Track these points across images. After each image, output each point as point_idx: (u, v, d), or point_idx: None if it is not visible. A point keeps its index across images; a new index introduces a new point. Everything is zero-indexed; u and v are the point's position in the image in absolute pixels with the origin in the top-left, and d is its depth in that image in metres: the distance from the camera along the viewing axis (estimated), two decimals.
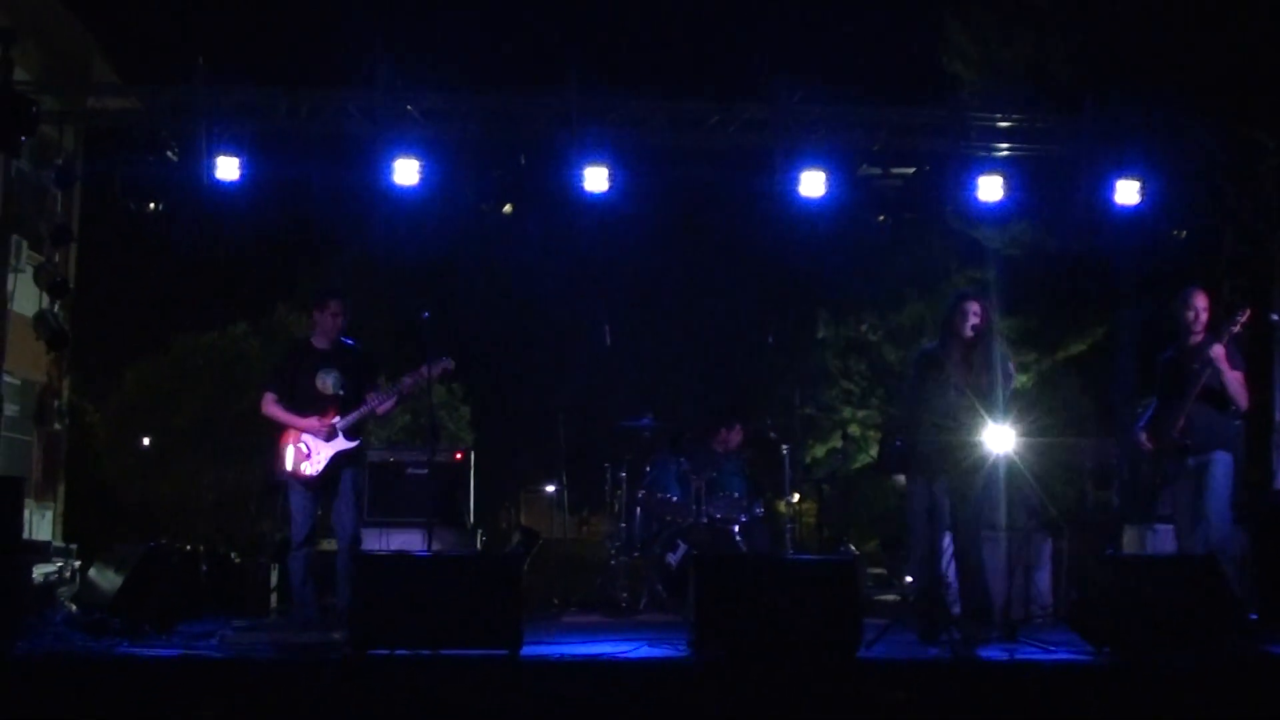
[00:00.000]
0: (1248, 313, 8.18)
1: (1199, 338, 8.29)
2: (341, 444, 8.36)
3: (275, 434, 8.45)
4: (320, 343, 8.56)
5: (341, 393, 8.43)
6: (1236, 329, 8.11)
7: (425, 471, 10.31)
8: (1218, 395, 8.16)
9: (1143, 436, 8.47)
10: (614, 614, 10.16)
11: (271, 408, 8.47)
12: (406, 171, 11.24)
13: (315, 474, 8.32)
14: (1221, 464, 8.15)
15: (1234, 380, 8.11)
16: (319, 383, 8.43)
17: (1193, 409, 8.15)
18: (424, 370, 8.45)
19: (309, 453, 8.33)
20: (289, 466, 8.35)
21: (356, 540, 8.43)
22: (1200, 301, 8.33)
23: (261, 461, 8.51)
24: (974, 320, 8.04)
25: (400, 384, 8.48)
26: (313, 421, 8.33)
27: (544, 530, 12.88)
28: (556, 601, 10.47)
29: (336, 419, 8.34)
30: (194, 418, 24.75)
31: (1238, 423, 8.38)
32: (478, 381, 28.19)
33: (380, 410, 8.49)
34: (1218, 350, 8.03)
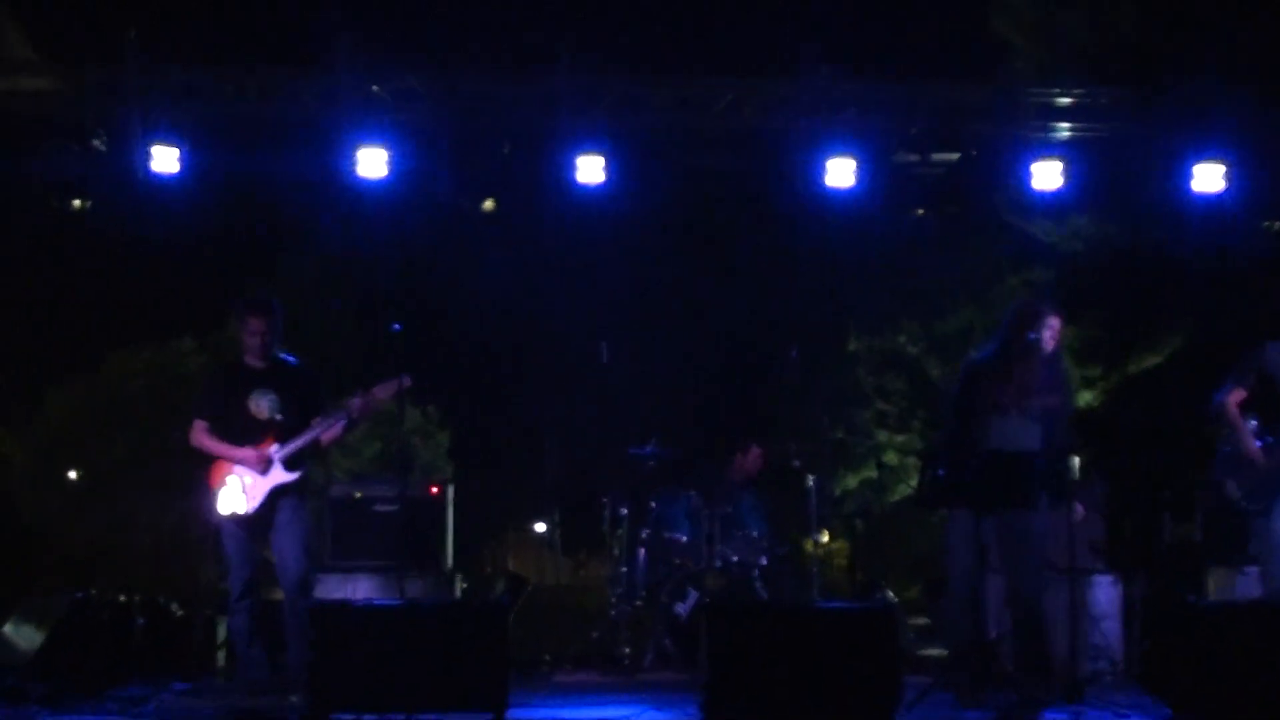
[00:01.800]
0: None
1: None
2: (280, 476, 8.27)
3: (204, 468, 8.37)
4: (254, 361, 8.47)
5: (280, 418, 8.34)
6: None
7: (395, 507, 10.27)
8: None
9: (1255, 446, 8.27)
10: (614, 672, 10.12)
11: (202, 437, 8.39)
12: (373, 162, 11.24)
13: (250, 512, 8.25)
14: None
15: None
16: (253, 406, 8.34)
17: None
18: (376, 390, 8.38)
19: (242, 487, 8.25)
20: (220, 506, 8.29)
21: (303, 585, 8.36)
22: None
23: (206, 500, 8.44)
24: (1051, 335, 8.04)
25: (348, 406, 8.36)
26: (247, 452, 8.25)
27: (533, 575, 12.88)
28: (548, 658, 10.43)
29: (274, 448, 8.27)
30: (129, 448, 24.72)
31: None
32: (457, 404, 28.19)
33: (326, 438, 8.40)
34: None
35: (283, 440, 8.29)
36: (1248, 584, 9.47)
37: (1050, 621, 8.30)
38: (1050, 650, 8.16)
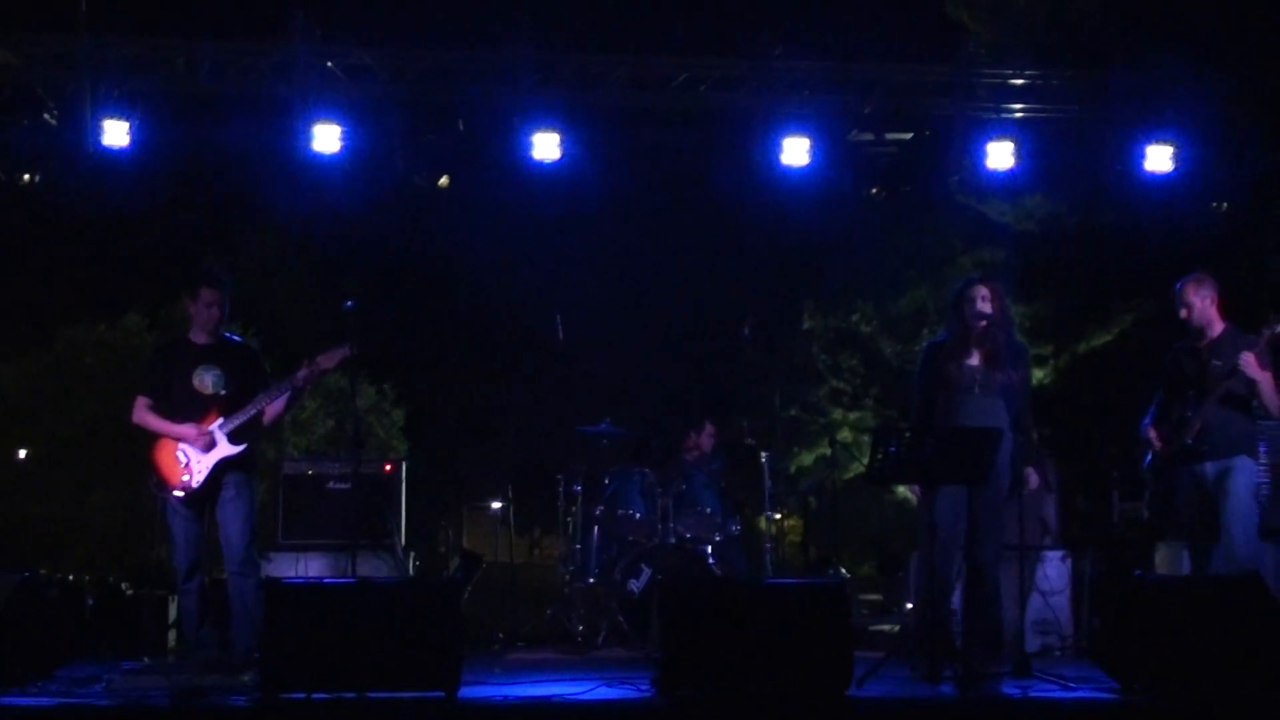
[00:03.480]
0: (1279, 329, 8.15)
1: (1217, 329, 8.35)
2: (225, 450, 8.22)
3: (149, 445, 8.31)
4: (199, 337, 8.42)
5: (224, 393, 8.29)
6: (1273, 334, 8.08)
7: (348, 485, 10.23)
8: (1241, 399, 8.23)
9: (1152, 435, 8.59)
10: (568, 649, 10.14)
11: (144, 414, 8.32)
12: (327, 138, 11.23)
13: (195, 488, 8.19)
14: (1244, 471, 8.25)
15: (1269, 387, 8.12)
16: (197, 382, 8.28)
17: (1211, 411, 8.22)
18: (320, 359, 8.32)
19: (187, 464, 8.19)
20: (165, 480, 8.24)
21: (249, 561, 8.30)
22: (1204, 292, 8.36)
23: (151, 476, 8.37)
24: (983, 307, 8.09)
25: (293, 378, 8.31)
26: (188, 429, 8.19)
27: (487, 553, 12.85)
28: (501, 635, 10.43)
29: (218, 422, 8.22)
30: (80, 426, 24.47)
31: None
32: (412, 382, 28.08)
33: (271, 411, 8.35)
34: (1248, 359, 8.02)
35: (226, 415, 8.24)
36: None
37: (1002, 596, 8.39)
38: (1002, 624, 8.24)
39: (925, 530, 7.95)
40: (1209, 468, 8.29)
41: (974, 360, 8.10)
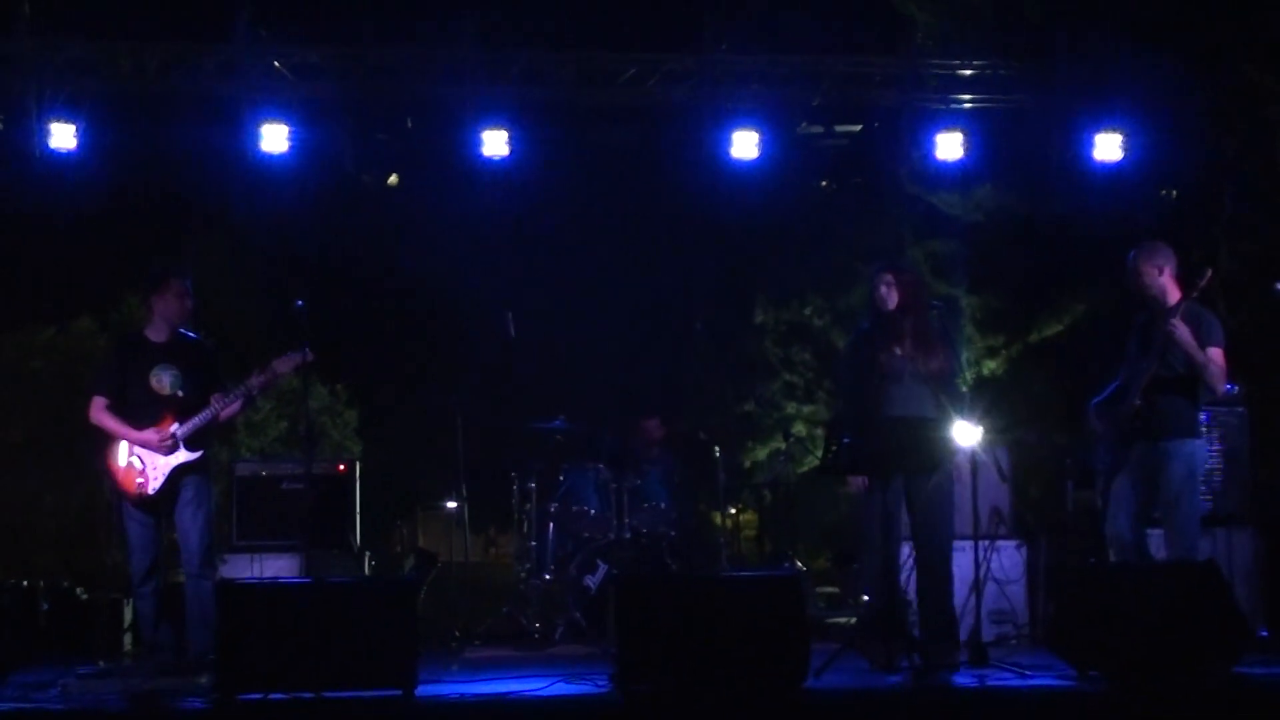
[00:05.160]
0: (1209, 274, 7.98)
1: (1172, 300, 8.05)
2: (182, 455, 8.15)
3: (104, 446, 8.23)
4: (156, 335, 8.34)
5: (181, 393, 8.22)
6: (1195, 294, 7.94)
7: (303, 486, 10.19)
8: (1185, 380, 8.00)
9: (1093, 416, 8.42)
10: (524, 646, 10.13)
11: (102, 415, 8.22)
12: (274, 138, 11.19)
13: (153, 493, 8.14)
14: (1183, 454, 8.03)
15: (1205, 359, 7.88)
16: (154, 382, 8.21)
17: (1155, 386, 8.04)
18: (276, 364, 8.28)
19: (143, 468, 8.13)
20: (121, 486, 8.18)
21: (207, 563, 8.26)
22: (1156, 261, 8.09)
23: (108, 480, 8.30)
24: (888, 291, 8.08)
25: (248, 383, 8.27)
26: (149, 434, 8.11)
27: (443, 552, 12.82)
28: (458, 634, 10.41)
29: (175, 426, 8.16)
30: (31, 430, 24.34)
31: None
32: (364, 382, 28.00)
33: (224, 414, 8.30)
34: (1181, 330, 7.81)
35: (182, 417, 8.18)
36: (1149, 547, 9.61)
37: (957, 586, 8.41)
38: (955, 614, 8.28)
39: (877, 521, 7.95)
40: (1142, 447, 8.08)
41: (902, 349, 8.08)
